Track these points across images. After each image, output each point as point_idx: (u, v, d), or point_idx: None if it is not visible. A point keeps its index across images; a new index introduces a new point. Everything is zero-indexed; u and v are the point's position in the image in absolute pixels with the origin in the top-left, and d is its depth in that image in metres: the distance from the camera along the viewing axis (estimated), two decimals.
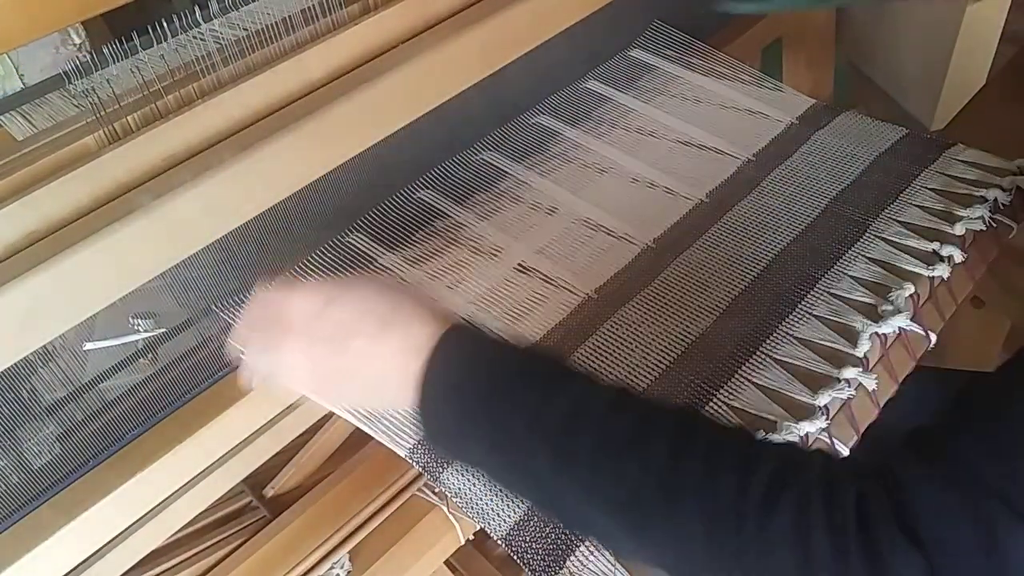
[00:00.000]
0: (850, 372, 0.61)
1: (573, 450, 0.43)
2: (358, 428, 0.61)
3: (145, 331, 0.70)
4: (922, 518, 0.37)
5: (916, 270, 0.68)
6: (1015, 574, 0.36)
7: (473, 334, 0.48)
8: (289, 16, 0.65)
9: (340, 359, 0.48)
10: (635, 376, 0.63)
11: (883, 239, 0.71)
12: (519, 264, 0.72)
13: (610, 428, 0.43)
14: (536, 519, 0.54)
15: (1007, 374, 0.40)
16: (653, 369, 0.63)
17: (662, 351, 0.65)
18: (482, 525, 0.55)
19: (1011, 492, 0.36)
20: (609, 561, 0.52)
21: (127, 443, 0.61)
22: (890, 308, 0.65)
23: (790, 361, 0.63)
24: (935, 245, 0.69)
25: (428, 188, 0.78)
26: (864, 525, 0.38)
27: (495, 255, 0.73)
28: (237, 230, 0.61)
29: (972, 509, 0.37)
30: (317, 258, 0.71)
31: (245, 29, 0.65)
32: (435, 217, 0.76)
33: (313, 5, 0.66)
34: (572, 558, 0.52)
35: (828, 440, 0.59)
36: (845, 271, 0.69)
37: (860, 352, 0.63)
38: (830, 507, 0.39)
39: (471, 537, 0.66)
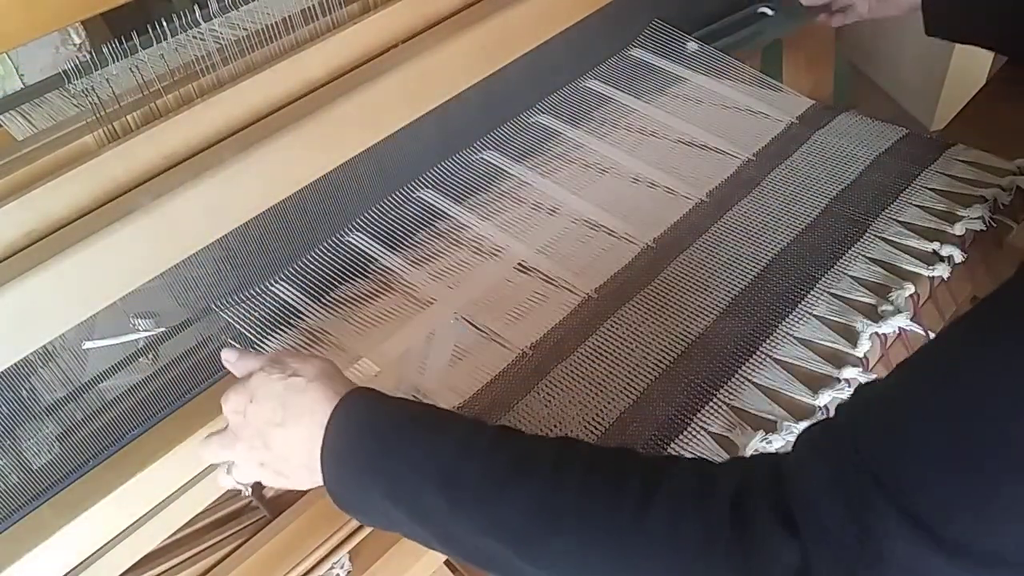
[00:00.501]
0: (850, 372, 0.61)
1: (461, 485, 0.45)
2: None
3: (145, 331, 0.70)
4: (799, 502, 0.37)
5: (916, 270, 0.68)
6: (889, 564, 0.35)
7: (365, 401, 0.50)
8: (289, 16, 0.65)
9: (270, 452, 0.51)
10: (635, 376, 0.63)
11: (883, 239, 0.71)
12: (519, 264, 0.72)
13: (493, 460, 0.45)
14: None
15: (910, 365, 0.40)
16: (653, 369, 0.63)
17: (662, 351, 0.65)
18: None
19: (894, 482, 0.35)
20: None
21: (127, 443, 0.61)
22: (890, 308, 0.65)
23: (790, 361, 0.63)
24: (935, 245, 0.69)
25: (429, 188, 0.78)
26: (739, 511, 0.38)
27: (496, 255, 0.73)
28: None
29: (849, 495, 0.36)
30: (318, 257, 0.71)
31: (245, 29, 0.65)
32: (436, 217, 0.76)
33: (313, 5, 0.66)
34: None
35: None
36: (845, 271, 0.69)
37: (860, 352, 0.63)
38: (702, 497, 0.40)
39: None
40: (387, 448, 0.48)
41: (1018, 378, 0.33)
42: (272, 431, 0.51)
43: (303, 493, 0.67)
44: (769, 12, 0.95)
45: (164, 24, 0.61)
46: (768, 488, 0.38)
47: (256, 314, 0.66)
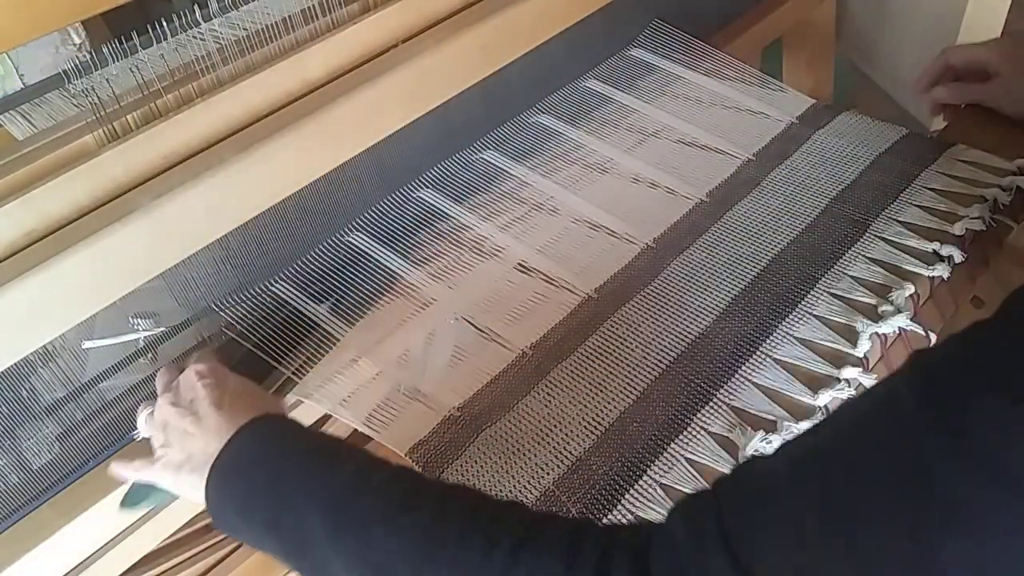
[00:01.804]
0: (850, 372, 0.61)
1: (349, 518, 0.45)
2: (357, 428, 0.62)
3: (145, 330, 0.69)
4: (660, 572, 0.37)
5: (916, 270, 0.68)
6: None
7: (264, 429, 0.51)
8: (289, 16, 0.65)
9: (167, 470, 0.54)
10: (635, 376, 0.63)
11: (883, 239, 0.71)
12: (520, 264, 0.72)
13: (383, 497, 0.45)
14: None
15: (790, 453, 0.39)
16: (653, 369, 0.63)
17: (662, 351, 0.65)
18: None
19: (752, 568, 0.35)
20: None
21: (127, 443, 0.61)
22: (890, 308, 0.65)
23: (790, 361, 0.63)
24: (935, 245, 0.69)
25: (429, 188, 0.78)
26: (601, 571, 0.38)
27: (496, 255, 0.73)
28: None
29: (706, 573, 0.36)
30: (318, 257, 0.71)
31: (245, 29, 0.65)
32: (436, 217, 0.76)
33: (313, 5, 0.65)
34: None
35: None
36: (845, 271, 0.69)
37: (860, 352, 0.63)
38: (568, 557, 0.39)
39: None
40: (276, 477, 0.48)
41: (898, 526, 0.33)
42: (165, 450, 0.54)
43: None
44: None
45: (164, 24, 0.61)
46: (634, 553, 0.38)
47: (256, 314, 0.66)
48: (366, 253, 0.72)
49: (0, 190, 0.55)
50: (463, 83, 0.74)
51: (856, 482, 0.34)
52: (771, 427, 0.58)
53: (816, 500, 0.35)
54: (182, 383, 0.56)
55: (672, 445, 0.58)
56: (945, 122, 0.85)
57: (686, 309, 0.68)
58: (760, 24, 1.02)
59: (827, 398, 0.60)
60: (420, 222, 0.76)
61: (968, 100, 0.83)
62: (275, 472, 0.49)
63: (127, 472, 0.57)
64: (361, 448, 0.52)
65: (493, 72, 0.76)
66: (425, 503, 0.45)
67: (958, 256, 0.68)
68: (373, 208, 0.75)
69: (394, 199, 0.76)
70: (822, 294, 0.67)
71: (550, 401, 0.62)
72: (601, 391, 0.62)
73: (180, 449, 0.53)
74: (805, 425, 0.58)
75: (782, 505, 0.36)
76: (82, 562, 0.58)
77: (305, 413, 0.64)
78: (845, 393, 0.60)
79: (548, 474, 0.57)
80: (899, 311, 0.65)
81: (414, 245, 0.74)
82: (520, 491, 0.56)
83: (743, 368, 0.63)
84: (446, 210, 0.77)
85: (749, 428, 0.58)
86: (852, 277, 0.68)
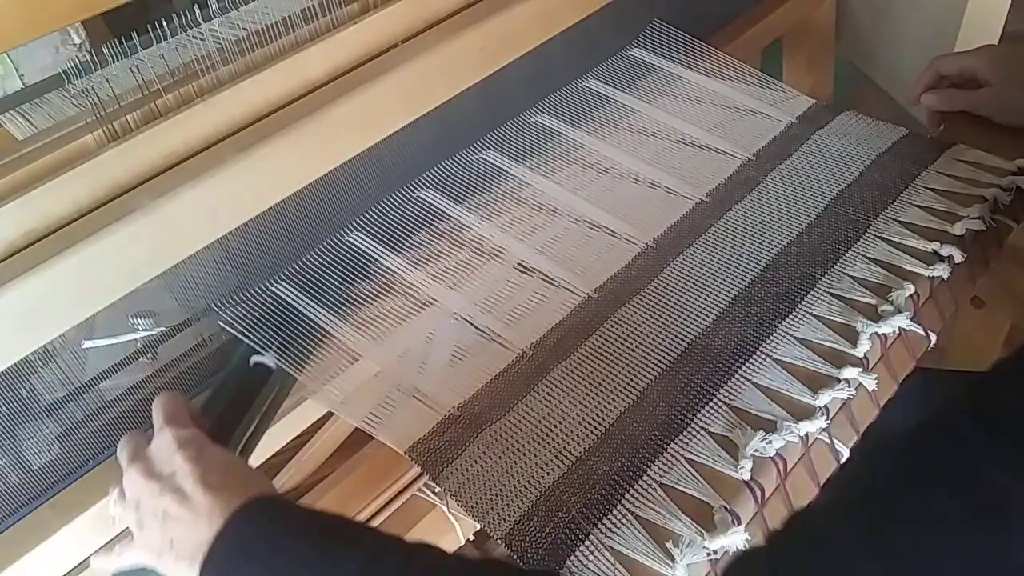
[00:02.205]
0: (850, 372, 0.61)
1: None
2: (358, 428, 0.62)
3: (144, 330, 0.70)
4: None
5: (916, 270, 0.68)
6: None
7: (261, 516, 0.47)
8: (289, 16, 0.65)
9: (148, 553, 0.49)
10: (635, 376, 0.63)
11: (883, 239, 0.71)
12: (520, 264, 0.72)
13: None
14: (536, 519, 0.54)
15: (832, 501, 0.39)
16: (653, 369, 0.63)
17: (662, 351, 0.65)
18: (482, 525, 0.55)
19: None
20: (609, 560, 0.52)
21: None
22: (890, 308, 0.65)
23: (790, 361, 0.63)
24: (935, 245, 0.69)
25: (429, 188, 0.78)
26: None
27: (496, 255, 0.73)
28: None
29: None
30: (317, 257, 0.71)
31: (245, 29, 0.65)
32: (436, 217, 0.76)
33: (313, 5, 0.66)
34: (572, 558, 0.52)
35: (828, 440, 0.59)
36: (845, 271, 0.69)
37: (860, 352, 0.63)
38: None
39: (471, 537, 0.66)
40: (279, 567, 0.44)
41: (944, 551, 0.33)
42: (140, 532, 0.50)
43: (303, 492, 0.67)
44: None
45: (164, 24, 0.61)
46: None
47: (256, 314, 0.66)
48: (366, 253, 0.72)
49: (0, 190, 0.55)
50: (463, 83, 0.74)
51: (919, 519, 0.34)
52: (771, 427, 0.58)
53: (875, 538, 0.34)
54: (156, 452, 0.51)
55: (672, 445, 0.58)
56: (942, 129, 0.85)
57: (686, 309, 0.68)
58: (760, 24, 1.02)
59: (827, 398, 0.60)
60: (420, 222, 0.75)
61: (959, 107, 0.83)
62: (274, 563, 0.44)
63: (109, 564, 0.53)
64: (368, 527, 0.48)
65: (493, 72, 0.76)
66: None
67: (958, 256, 0.68)
68: (373, 208, 0.75)
69: (394, 199, 0.76)
70: (822, 294, 0.67)
71: (550, 401, 0.62)
72: (601, 391, 0.62)
73: (160, 533, 0.47)
74: (805, 425, 0.58)
75: (833, 544, 0.36)
76: (82, 562, 0.58)
77: (305, 412, 0.64)
78: (845, 393, 0.60)
79: (548, 474, 0.57)
80: (899, 311, 0.65)
81: (414, 245, 0.74)
82: (520, 491, 0.56)
83: (743, 368, 0.63)
84: (446, 210, 0.77)
85: (749, 428, 0.58)
86: (852, 277, 0.68)
